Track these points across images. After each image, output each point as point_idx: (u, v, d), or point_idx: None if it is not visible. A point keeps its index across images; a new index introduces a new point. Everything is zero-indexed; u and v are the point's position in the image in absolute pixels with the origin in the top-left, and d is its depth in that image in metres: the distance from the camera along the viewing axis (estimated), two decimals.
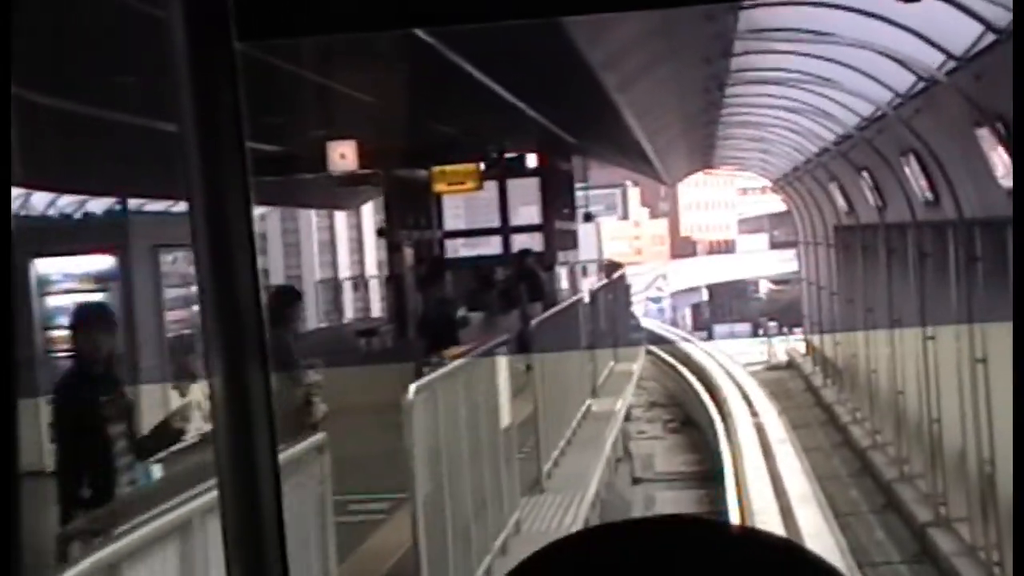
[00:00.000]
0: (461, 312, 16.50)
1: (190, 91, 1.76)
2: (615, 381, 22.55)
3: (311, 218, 58.61)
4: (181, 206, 28.40)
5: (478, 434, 10.06)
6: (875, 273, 27.37)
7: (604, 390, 20.74)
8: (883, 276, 26.09)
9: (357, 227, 56.74)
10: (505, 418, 11.17)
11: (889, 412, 26.31)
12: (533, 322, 14.05)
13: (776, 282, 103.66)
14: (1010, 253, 16.14)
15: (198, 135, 1.75)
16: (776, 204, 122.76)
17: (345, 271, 54.29)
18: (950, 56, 14.89)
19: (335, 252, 56.55)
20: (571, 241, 42.37)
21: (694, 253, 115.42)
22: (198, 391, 17.39)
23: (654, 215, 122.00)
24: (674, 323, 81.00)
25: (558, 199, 40.17)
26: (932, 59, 15.53)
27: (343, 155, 25.61)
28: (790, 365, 45.85)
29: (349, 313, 44.66)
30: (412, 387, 8.38)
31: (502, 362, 11.36)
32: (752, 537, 1.48)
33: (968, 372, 18.45)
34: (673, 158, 45.39)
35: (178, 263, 17.64)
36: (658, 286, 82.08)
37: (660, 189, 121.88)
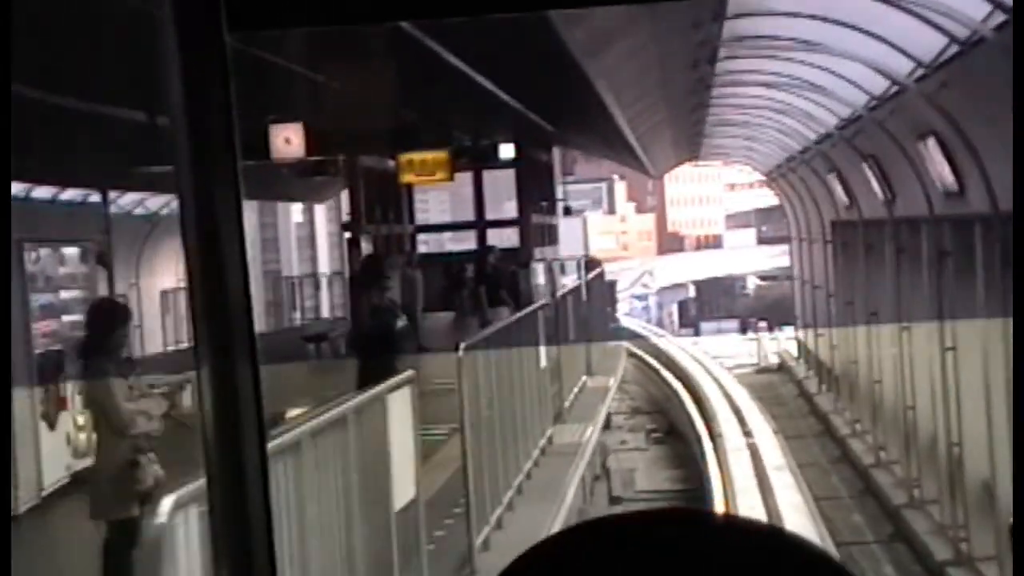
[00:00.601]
0: (401, 322, 13.28)
1: (180, 83, 1.72)
2: (587, 401, 19.13)
3: (290, 211, 56.15)
4: (42, 191, 25.52)
5: (348, 532, 6.82)
6: (880, 273, 24.31)
7: (572, 414, 17.33)
8: (890, 277, 23.00)
9: (338, 221, 54.39)
10: (404, 492, 7.94)
11: (895, 427, 23.27)
12: (463, 345, 10.85)
13: (764, 278, 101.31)
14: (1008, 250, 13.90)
15: (188, 128, 1.72)
16: (764, 199, 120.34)
17: (325, 267, 51.52)
18: (998, 5, 11.74)
19: (315, 246, 53.88)
20: (551, 236, 39.25)
21: (681, 248, 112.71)
22: (69, 421, 14.48)
23: (641, 210, 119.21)
24: (660, 322, 77.82)
25: (536, 192, 37.04)
26: (974, 11, 12.37)
27: (288, 140, 22.41)
28: (781, 368, 42.77)
29: (315, 314, 41.53)
30: (167, 501, 4.95)
31: (402, 404, 8.21)
32: (736, 524, 1.45)
33: (1003, 391, 15.39)
34: (658, 148, 42.28)
35: (44, 263, 14.48)
36: (644, 283, 78.84)
37: (647, 183, 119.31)
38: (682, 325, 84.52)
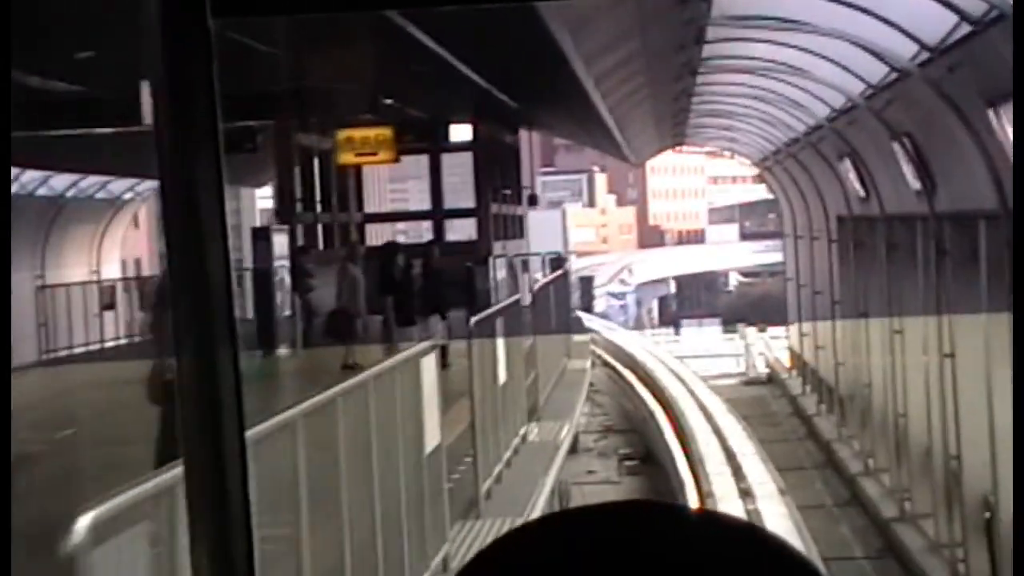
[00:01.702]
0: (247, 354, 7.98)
1: (163, 68, 1.67)
2: (525, 471, 13.11)
3: (254, 196, 52.54)
4: None
5: None
6: (909, 281, 19.16)
7: (493, 505, 11.37)
8: (924, 287, 17.83)
9: None
10: None
11: (926, 475, 18.14)
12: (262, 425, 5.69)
13: (746, 275, 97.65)
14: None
15: (171, 115, 1.68)
16: (748, 193, 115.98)
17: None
18: None
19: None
20: (515, 229, 33.94)
21: (662, 243, 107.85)
22: None
23: (621, 203, 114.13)
24: (638, 321, 72.50)
25: (498, 178, 31.75)
26: None
27: None
28: (771, 380, 37.52)
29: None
30: None
31: None
32: (713, 520, 1.42)
33: None
34: (639, 133, 37.01)
35: None
36: (622, 279, 73.44)
37: (628, 176, 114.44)
38: (662, 323, 79.89)
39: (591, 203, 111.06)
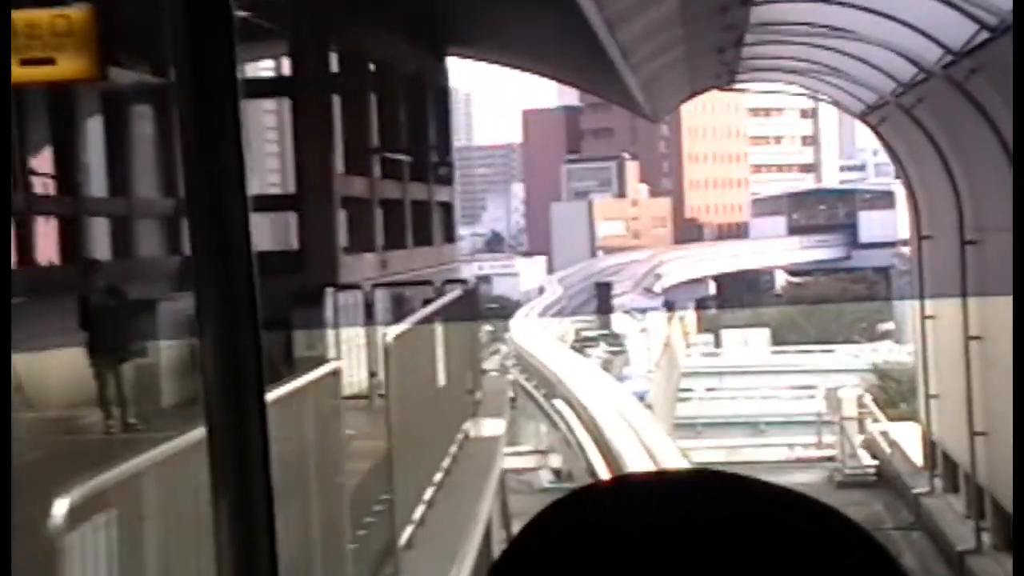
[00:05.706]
0: None
1: (184, 31, 1.60)
2: None
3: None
4: None
5: None
6: None
7: None
8: None
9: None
10: None
11: None
12: None
13: (795, 273, 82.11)
14: None
15: (192, 97, 1.61)
16: (795, 183, 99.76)
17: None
18: None
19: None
20: (421, 227, 17.56)
21: (700, 237, 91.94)
22: None
23: (655, 193, 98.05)
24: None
25: (365, 134, 15.60)
26: None
27: None
28: (881, 476, 21.20)
29: None
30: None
31: None
32: (794, 498, 1.21)
33: None
34: (660, 66, 20.71)
35: None
36: (646, 286, 56.85)
37: (663, 163, 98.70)
38: (699, 330, 64.32)
39: (621, 193, 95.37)
